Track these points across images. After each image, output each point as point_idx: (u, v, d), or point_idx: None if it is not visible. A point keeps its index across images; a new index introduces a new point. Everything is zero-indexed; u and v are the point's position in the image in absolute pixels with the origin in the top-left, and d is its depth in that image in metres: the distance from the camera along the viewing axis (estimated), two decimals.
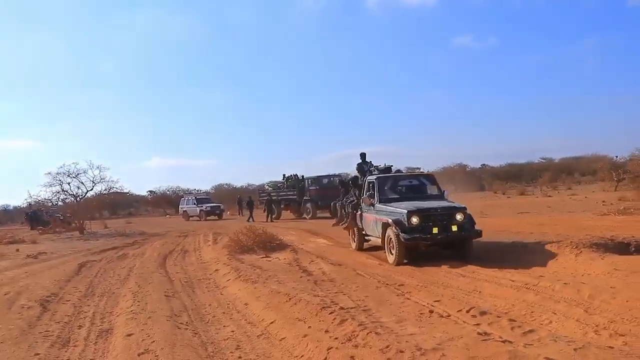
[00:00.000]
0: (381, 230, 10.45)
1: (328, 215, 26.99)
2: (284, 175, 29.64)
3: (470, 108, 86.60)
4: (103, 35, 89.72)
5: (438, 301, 6.53)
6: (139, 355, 5.26)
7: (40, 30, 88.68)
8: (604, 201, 21.21)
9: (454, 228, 9.69)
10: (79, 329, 6.64)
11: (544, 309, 5.89)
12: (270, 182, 31.14)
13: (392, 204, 10.55)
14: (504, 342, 4.65)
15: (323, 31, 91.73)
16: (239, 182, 63.45)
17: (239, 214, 37.55)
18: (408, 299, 6.80)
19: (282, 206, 28.61)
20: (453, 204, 10.30)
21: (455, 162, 56.50)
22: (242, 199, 37.56)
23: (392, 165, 12.30)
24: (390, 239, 10.00)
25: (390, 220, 9.97)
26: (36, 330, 6.56)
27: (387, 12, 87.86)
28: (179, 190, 54.63)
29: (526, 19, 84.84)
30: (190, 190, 50.55)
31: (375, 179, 11.31)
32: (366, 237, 12.01)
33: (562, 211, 16.42)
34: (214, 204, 36.75)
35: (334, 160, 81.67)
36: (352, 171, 13.69)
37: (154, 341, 5.64)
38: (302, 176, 28.23)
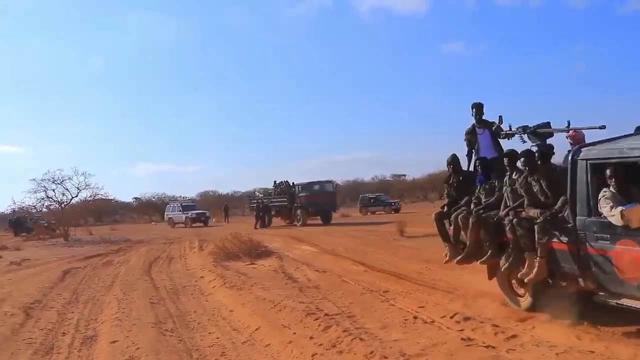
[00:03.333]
0: None
1: (319, 222, 27.04)
2: (274, 181, 29.55)
3: (457, 114, 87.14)
4: (88, 40, 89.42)
5: (422, 307, 6.54)
6: None
7: (25, 32, 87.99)
8: None
9: None
10: (63, 336, 6.59)
11: (528, 314, 5.93)
12: (261, 188, 30.97)
13: None
14: (487, 347, 4.71)
15: (314, 37, 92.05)
16: (225, 189, 63.35)
17: (225, 221, 37.52)
18: (393, 305, 6.82)
19: (272, 213, 28.46)
20: None
21: (442, 169, 56.66)
22: (226, 205, 37.59)
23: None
24: None
25: None
26: (19, 337, 6.50)
27: (379, 19, 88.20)
28: (164, 197, 54.30)
29: (517, 26, 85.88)
30: (176, 197, 50.31)
31: None
32: (606, 299, 5.00)
33: None
34: (200, 211, 36.67)
35: (322, 166, 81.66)
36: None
37: (138, 348, 5.63)
38: (293, 183, 28.16)
